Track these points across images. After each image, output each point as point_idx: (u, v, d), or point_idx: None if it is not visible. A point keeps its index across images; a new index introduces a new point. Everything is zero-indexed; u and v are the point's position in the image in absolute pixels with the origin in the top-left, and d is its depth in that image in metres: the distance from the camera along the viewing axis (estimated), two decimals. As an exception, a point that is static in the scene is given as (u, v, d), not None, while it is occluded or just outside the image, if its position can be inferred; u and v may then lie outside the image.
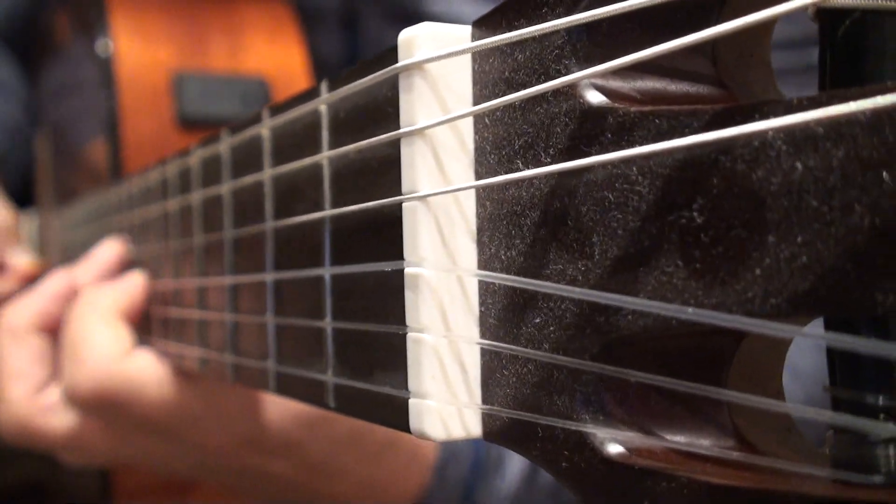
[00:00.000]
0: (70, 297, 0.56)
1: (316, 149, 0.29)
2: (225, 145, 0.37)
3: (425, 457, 0.53)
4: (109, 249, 0.58)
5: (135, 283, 0.53)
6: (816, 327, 0.18)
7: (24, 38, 0.96)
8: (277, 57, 0.73)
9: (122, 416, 0.50)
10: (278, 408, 0.49)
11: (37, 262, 0.84)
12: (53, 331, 0.57)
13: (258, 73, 0.72)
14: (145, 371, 0.49)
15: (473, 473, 0.54)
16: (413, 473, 0.53)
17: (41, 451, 0.56)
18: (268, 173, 0.33)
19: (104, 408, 0.50)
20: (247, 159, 0.35)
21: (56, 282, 0.58)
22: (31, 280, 0.82)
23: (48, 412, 0.53)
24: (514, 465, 0.55)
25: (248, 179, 0.35)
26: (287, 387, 0.32)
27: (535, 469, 0.55)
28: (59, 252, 0.84)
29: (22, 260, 0.81)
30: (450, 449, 0.54)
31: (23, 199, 0.99)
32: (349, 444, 0.51)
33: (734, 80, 0.21)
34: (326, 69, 0.74)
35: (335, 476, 0.52)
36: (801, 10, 0.17)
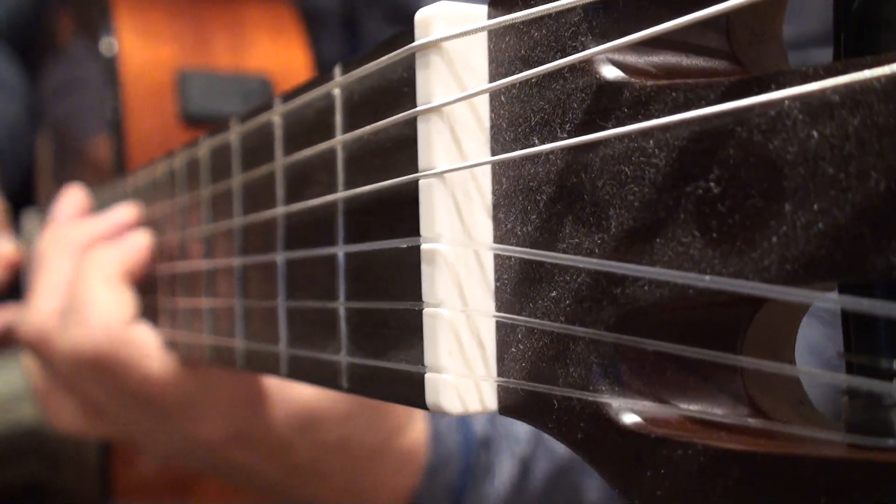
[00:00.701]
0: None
1: (329, 132, 0.29)
2: (235, 134, 0.38)
3: (415, 463, 0.54)
4: (126, 212, 0.56)
5: (139, 243, 0.52)
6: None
7: (26, 38, 0.96)
8: (280, 55, 0.74)
9: (118, 384, 0.50)
10: (271, 408, 0.49)
11: (21, 248, 0.84)
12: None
13: (261, 72, 0.72)
14: (148, 343, 0.49)
15: (463, 478, 0.55)
16: (402, 479, 0.54)
17: (46, 368, 0.57)
18: (280, 159, 0.33)
19: (101, 371, 0.50)
20: (257, 147, 0.35)
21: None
22: (15, 267, 0.82)
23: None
24: (505, 469, 0.55)
25: (259, 166, 0.35)
26: (299, 370, 0.32)
27: (526, 473, 0.55)
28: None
29: (8, 247, 0.82)
30: (440, 453, 0.54)
31: (24, 197, 0.99)
32: (337, 448, 0.51)
33: (748, 55, 0.21)
34: (327, 70, 0.74)
35: (320, 478, 0.53)
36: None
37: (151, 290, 0.52)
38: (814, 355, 0.51)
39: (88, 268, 0.52)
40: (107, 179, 0.70)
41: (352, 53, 0.74)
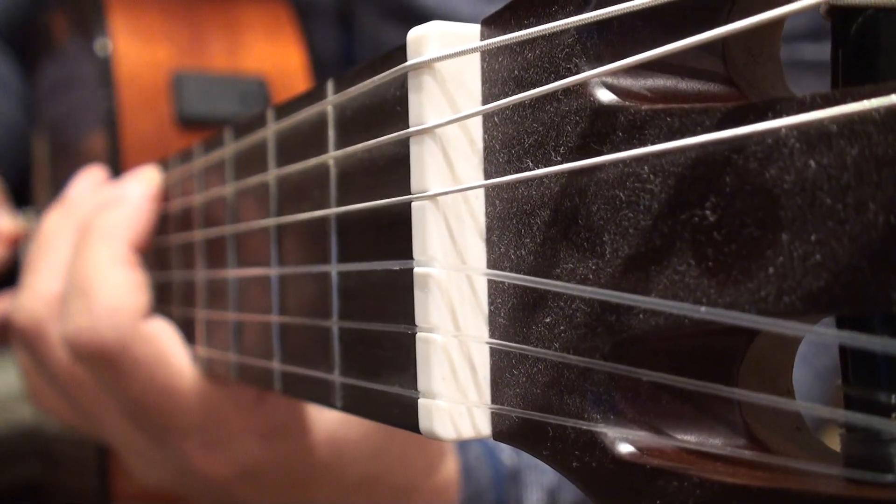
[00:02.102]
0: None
1: (322, 149, 0.29)
2: (229, 150, 0.37)
3: (447, 501, 0.49)
4: (148, 178, 0.48)
5: (144, 197, 0.46)
6: (828, 326, 0.18)
7: (22, 38, 0.95)
8: (276, 56, 0.73)
9: (121, 388, 0.42)
10: (288, 441, 0.43)
11: (23, 224, 0.83)
12: None
13: (257, 73, 0.72)
14: (165, 343, 0.42)
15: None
16: None
17: (35, 360, 0.51)
18: (273, 174, 0.33)
19: (104, 371, 0.43)
20: (251, 161, 0.35)
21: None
22: (16, 244, 0.81)
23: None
24: (533, 502, 0.53)
25: (253, 180, 0.35)
26: (292, 387, 0.32)
27: None
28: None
29: (9, 223, 0.80)
30: (472, 490, 0.50)
31: (21, 197, 0.99)
32: (362, 487, 0.46)
33: (744, 77, 0.21)
34: (322, 66, 0.74)
35: None
36: (813, 9, 0.17)
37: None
38: (807, 363, 0.50)
39: (92, 241, 0.44)
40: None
41: (347, 48, 0.74)
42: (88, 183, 0.58)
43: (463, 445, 0.51)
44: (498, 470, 0.52)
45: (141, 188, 0.46)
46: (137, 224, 0.45)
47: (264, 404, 0.43)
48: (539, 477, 0.52)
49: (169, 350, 0.42)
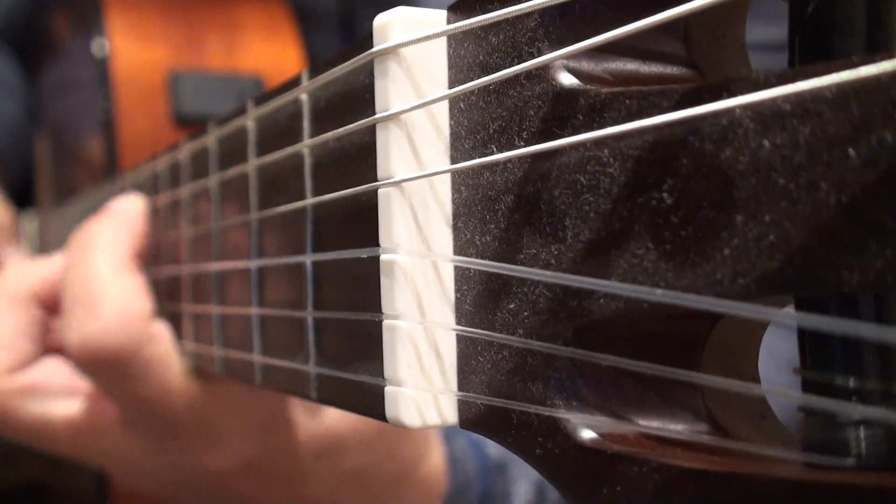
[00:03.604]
0: None
1: (298, 138, 0.29)
2: (212, 138, 0.37)
3: (435, 492, 0.50)
4: (133, 204, 0.48)
5: (134, 212, 0.45)
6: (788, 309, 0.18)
7: (24, 38, 0.96)
8: (273, 56, 0.73)
9: (132, 391, 0.42)
10: (291, 431, 0.44)
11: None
12: (55, 307, 0.49)
13: (254, 72, 0.72)
14: (169, 344, 0.42)
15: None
16: None
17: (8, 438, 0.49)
18: (252, 164, 0.33)
19: (115, 375, 0.42)
20: (233, 151, 0.35)
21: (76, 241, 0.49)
22: None
23: (26, 394, 0.46)
24: (521, 493, 0.53)
25: (234, 171, 0.35)
26: (271, 379, 0.32)
27: (542, 496, 0.53)
28: (58, 251, 0.84)
29: (18, 259, 0.80)
30: (459, 481, 0.51)
31: (24, 198, 0.99)
32: (356, 479, 0.46)
33: (707, 61, 0.21)
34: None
35: None
36: (772, -11, 0.17)
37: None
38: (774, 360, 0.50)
39: (91, 256, 0.44)
40: (101, 180, 0.70)
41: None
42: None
43: (449, 438, 0.51)
44: (483, 463, 0.52)
45: (132, 203, 0.46)
46: (133, 233, 0.45)
47: (257, 399, 0.43)
48: (526, 470, 0.52)
49: (172, 350, 0.42)
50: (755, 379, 0.21)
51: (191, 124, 0.68)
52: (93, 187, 0.68)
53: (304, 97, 0.28)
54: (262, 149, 0.32)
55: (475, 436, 0.49)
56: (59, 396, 0.46)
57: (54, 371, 0.48)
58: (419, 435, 0.48)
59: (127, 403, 0.43)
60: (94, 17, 0.72)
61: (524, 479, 0.53)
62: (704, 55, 0.21)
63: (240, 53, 0.73)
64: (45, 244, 0.93)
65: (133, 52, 0.70)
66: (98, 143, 0.71)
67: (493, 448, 0.52)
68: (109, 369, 0.42)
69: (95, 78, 0.71)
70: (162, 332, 0.42)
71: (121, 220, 0.45)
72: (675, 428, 0.20)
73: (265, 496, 0.46)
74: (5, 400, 0.46)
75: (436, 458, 0.50)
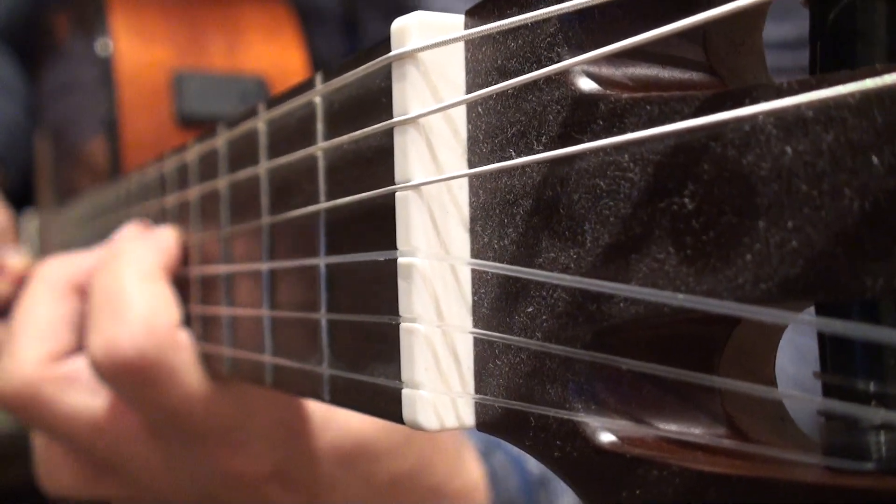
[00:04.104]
0: None
1: (311, 140, 0.29)
2: (222, 140, 0.37)
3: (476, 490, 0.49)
4: (167, 231, 0.48)
5: (168, 238, 0.45)
6: (807, 312, 0.18)
7: (25, 38, 0.96)
8: (276, 56, 0.73)
9: (157, 398, 0.41)
10: (315, 436, 0.43)
11: (33, 262, 0.84)
12: None
13: (257, 72, 0.72)
14: (192, 351, 0.41)
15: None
16: None
17: (35, 432, 0.49)
18: (263, 167, 0.33)
19: (140, 381, 0.41)
20: (243, 153, 0.35)
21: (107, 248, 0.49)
22: (24, 280, 0.82)
23: (65, 383, 0.45)
24: None
25: (244, 173, 0.35)
26: (282, 381, 0.32)
27: None
28: (59, 251, 0.84)
29: (17, 260, 0.80)
30: (502, 498, 0.49)
31: (24, 198, 0.99)
32: (389, 487, 0.45)
33: (725, 67, 0.21)
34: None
35: None
36: (793, -4, 0.17)
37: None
38: (803, 360, 0.50)
39: (119, 264, 0.43)
40: (103, 180, 0.70)
41: (351, 53, 0.74)
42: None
43: (487, 454, 0.50)
44: (525, 477, 0.50)
45: (166, 230, 0.46)
46: (166, 252, 0.44)
47: (276, 404, 0.43)
48: None
49: (195, 357, 0.42)
50: (772, 380, 0.21)
51: (194, 124, 0.68)
52: (96, 188, 0.68)
53: (317, 100, 0.29)
54: (274, 151, 0.32)
55: (515, 451, 0.48)
56: (89, 392, 0.45)
57: (87, 365, 0.46)
58: (451, 447, 0.47)
59: (150, 411, 0.43)
60: (97, 17, 0.72)
61: (567, 494, 0.51)
62: (723, 60, 0.21)
63: (242, 53, 0.73)
64: (46, 244, 0.93)
65: (136, 52, 0.70)
66: (101, 143, 0.71)
67: (533, 463, 0.51)
68: (133, 376, 0.41)
69: (98, 77, 0.71)
70: (186, 339, 0.42)
71: (153, 239, 0.45)
72: (694, 431, 0.20)
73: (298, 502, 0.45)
74: (42, 387, 0.45)
75: (473, 473, 0.49)
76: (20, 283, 0.80)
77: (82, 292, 0.48)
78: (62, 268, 0.49)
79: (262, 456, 0.43)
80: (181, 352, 0.41)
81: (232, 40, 0.73)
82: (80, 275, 0.48)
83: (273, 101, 0.32)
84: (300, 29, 0.75)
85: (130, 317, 0.41)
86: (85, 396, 0.45)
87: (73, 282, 0.48)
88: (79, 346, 0.47)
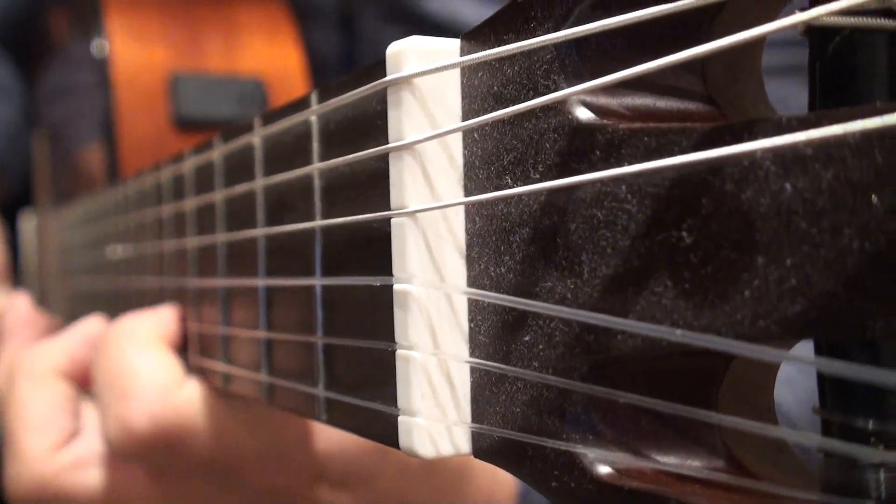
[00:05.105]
0: None
1: (306, 159, 0.29)
2: (217, 153, 0.37)
3: (505, 485, 0.48)
4: (94, 324, 0.50)
5: (166, 311, 0.45)
6: (807, 348, 0.18)
7: (21, 39, 0.95)
8: (274, 57, 0.73)
9: (181, 458, 0.41)
10: (341, 436, 0.42)
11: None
12: (83, 379, 0.49)
13: (254, 74, 0.71)
14: (205, 393, 0.41)
15: None
16: (502, 490, 0.47)
17: None
18: (259, 183, 0.33)
19: (162, 448, 0.41)
20: (239, 168, 0.35)
21: (89, 325, 0.51)
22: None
23: (77, 468, 0.45)
24: None
25: (240, 188, 0.35)
26: (279, 399, 0.32)
27: None
28: (57, 252, 0.84)
29: (2, 301, 0.79)
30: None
31: (22, 200, 0.99)
32: (422, 474, 0.45)
33: (724, 95, 0.21)
34: (323, 68, 0.74)
35: None
36: (791, 28, 0.17)
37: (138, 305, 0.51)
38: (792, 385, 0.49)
39: (118, 341, 0.43)
40: (101, 181, 0.70)
41: (348, 51, 0.74)
42: (18, 315, 0.58)
43: None
44: None
45: (165, 308, 0.46)
46: (166, 325, 0.44)
47: (270, 424, 0.42)
48: None
49: (210, 398, 0.41)
50: (770, 411, 0.21)
51: (191, 126, 0.68)
52: (94, 191, 0.68)
53: (313, 119, 0.28)
54: (270, 167, 0.32)
55: None
56: (103, 467, 0.46)
57: (93, 440, 0.47)
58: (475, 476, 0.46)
59: (185, 467, 0.42)
60: (93, 18, 0.71)
61: None
62: (722, 90, 0.21)
63: (240, 55, 0.72)
64: (43, 245, 0.93)
65: (133, 53, 0.70)
66: (98, 145, 0.71)
67: None
68: (156, 446, 0.41)
69: (95, 79, 0.71)
70: (195, 390, 0.41)
71: (154, 314, 0.45)
72: (693, 464, 0.20)
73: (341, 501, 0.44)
74: (56, 480, 0.45)
75: (507, 486, 0.48)
76: None
77: (71, 377, 0.49)
78: (41, 358, 0.49)
79: (295, 468, 0.42)
80: (194, 404, 0.40)
81: (229, 41, 0.73)
82: (64, 361, 0.49)
83: (268, 117, 0.32)
84: (297, 29, 0.75)
85: (137, 391, 0.41)
86: (99, 472, 0.45)
87: (56, 368, 0.48)
88: (77, 427, 0.47)
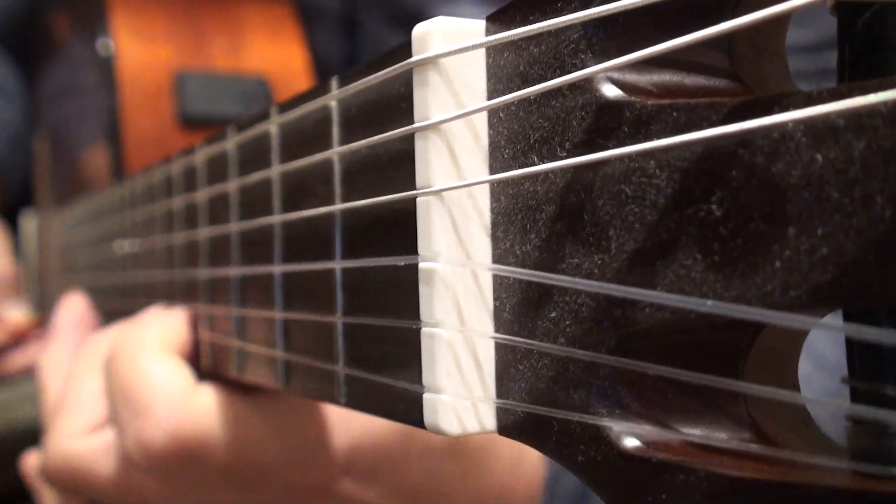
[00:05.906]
0: None
1: (326, 144, 0.29)
2: (231, 143, 0.37)
3: (528, 465, 0.47)
4: (75, 305, 0.51)
5: (177, 316, 0.45)
6: (836, 318, 0.18)
7: (23, 39, 0.95)
8: (278, 56, 0.73)
9: (201, 468, 0.41)
10: (362, 426, 0.42)
11: (31, 317, 0.84)
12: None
13: (259, 73, 0.72)
14: (223, 396, 0.41)
15: (585, 489, 0.48)
16: (521, 484, 0.47)
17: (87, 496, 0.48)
18: (276, 170, 0.33)
19: (181, 461, 0.41)
20: (254, 156, 0.35)
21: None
22: (23, 335, 0.82)
23: (101, 454, 0.45)
24: None
25: (256, 176, 0.35)
26: (295, 381, 0.32)
27: None
28: (58, 251, 0.84)
29: (16, 315, 0.80)
30: (557, 495, 0.49)
31: (23, 200, 0.99)
32: (448, 454, 0.44)
33: (749, 73, 0.21)
34: (326, 70, 0.74)
35: (442, 497, 0.45)
36: (820, 4, 0.17)
37: (151, 295, 0.51)
38: (819, 365, 0.50)
39: (127, 350, 0.43)
40: (104, 181, 0.70)
41: (351, 54, 0.74)
42: (73, 312, 0.59)
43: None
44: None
45: (175, 312, 0.46)
46: (176, 331, 0.44)
47: (288, 422, 0.42)
48: None
49: (226, 402, 0.41)
50: (795, 384, 0.21)
51: (196, 125, 0.68)
52: (98, 189, 0.68)
53: (333, 104, 0.29)
54: (287, 154, 0.32)
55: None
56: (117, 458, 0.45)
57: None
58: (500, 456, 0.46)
59: (210, 476, 0.42)
60: (98, 17, 0.71)
61: None
62: (747, 67, 0.21)
63: (244, 54, 0.73)
64: (45, 245, 0.93)
65: (138, 52, 0.70)
66: (103, 144, 0.71)
67: None
68: (178, 458, 0.41)
69: (100, 78, 0.71)
70: (210, 394, 0.41)
71: (162, 318, 0.45)
72: (720, 436, 0.20)
73: (369, 494, 0.44)
74: (79, 461, 0.46)
75: (535, 473, 0.48)
76: (19, 337, 0.80)
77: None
78: (102, 344, 0.50)
79: (325, 459, 0.42)
80: (211, 412, 0.40)
81: (233, 40, 0.73)
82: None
83: (286, 105, 0.32)
84: (301, 28, 0.75)
85: (151, 407, 0.40)
86: (121, 464, 0.45)
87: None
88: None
